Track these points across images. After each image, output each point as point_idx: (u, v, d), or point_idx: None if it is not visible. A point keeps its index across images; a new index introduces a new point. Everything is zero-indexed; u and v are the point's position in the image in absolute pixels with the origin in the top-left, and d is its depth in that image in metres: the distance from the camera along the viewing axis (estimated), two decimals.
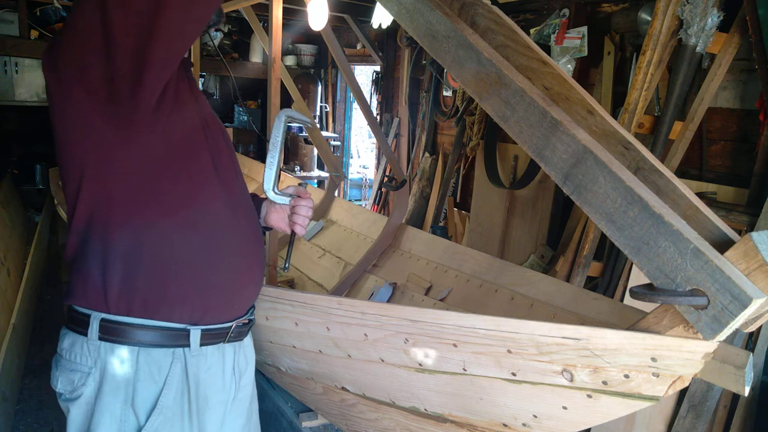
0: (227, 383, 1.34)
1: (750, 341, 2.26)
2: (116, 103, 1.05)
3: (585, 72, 3.38)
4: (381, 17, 4.21)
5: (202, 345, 1.25)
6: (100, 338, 1.17)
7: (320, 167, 6.25)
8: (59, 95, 1.07)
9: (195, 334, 1.24)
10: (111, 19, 0.96)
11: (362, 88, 3.14)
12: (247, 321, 1.38)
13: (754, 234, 0.88)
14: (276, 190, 1.44)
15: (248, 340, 1.45)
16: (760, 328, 2.18)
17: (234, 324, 1.32)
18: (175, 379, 1.22)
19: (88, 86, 1.03)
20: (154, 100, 1.08)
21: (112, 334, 1.17)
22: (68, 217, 1.19)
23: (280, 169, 1.57)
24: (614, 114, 2.98)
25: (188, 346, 1.23)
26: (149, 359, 1.20)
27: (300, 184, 1.49)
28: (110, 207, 1.14)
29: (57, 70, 1.05)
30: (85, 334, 1.18)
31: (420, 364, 1.32)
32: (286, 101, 3.51)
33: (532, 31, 3.50)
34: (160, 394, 1.20)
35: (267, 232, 1.65)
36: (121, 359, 1.18)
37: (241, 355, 1.39)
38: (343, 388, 1.68)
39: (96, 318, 1.17)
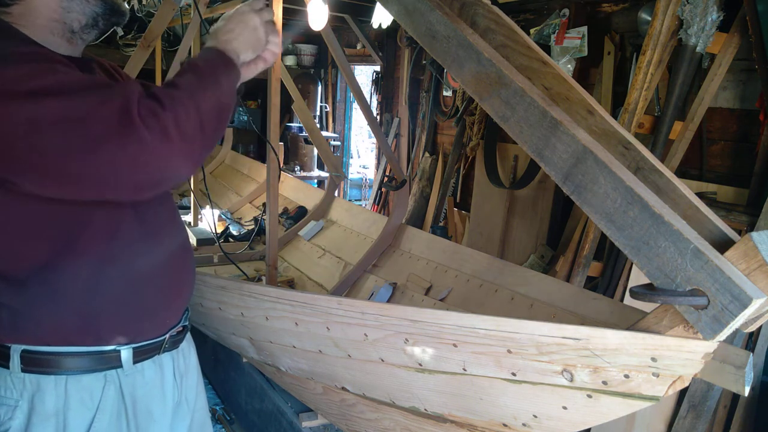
0: (168, 392, 1.30)
1: (750, 341, 2.26)
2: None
3: (585, 72, 3.38)
4: (381, 17, 4.21)
5: (135, 362, 1.20)
6: (24, 370, 1.11)
7: (320, 167, 6.25)
8: None
9: (126, 353, 1.18)
10: None
11: (362, 88, 3.14)
12: (181, 329, 1.33)
13: (754, 234, 0.88)
14: None
15: (185, 342, 1.39)
16: (760, 328, 2.18)
17: (168, 335, 1.27)
18: (108, 403, 1.17)
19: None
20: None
21: (36, 365, 1.11)
22: None
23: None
24: (614, 114, 2.98)
25: (120, 366, 1.18)
26: (79, 386, 1.14)
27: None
28: (17, 256, 1.06)
29: None
30: (7, 367, 1.11)
31: (420, 364, 1.32)
32: (286, 101, 3.51)
33: (532, 31, 3.50)
34: (93, 420, 1.15)
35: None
36: (48, 390, 1.12)
37: (180, 359, 1.35)
38: (343, 388, 1.68)
39: (16, 350, 1.10)
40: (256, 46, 1.20)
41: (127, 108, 0.93)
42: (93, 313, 1.14)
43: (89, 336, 1.14)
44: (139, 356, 1.21)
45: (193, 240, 3.52)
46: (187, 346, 1.40)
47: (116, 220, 1.14)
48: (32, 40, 1.08)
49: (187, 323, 1.38)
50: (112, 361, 1.17)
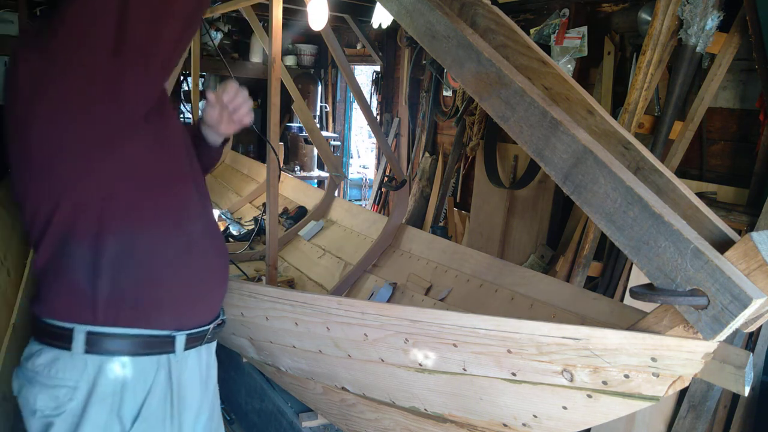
0: (202, 383, 1.35)
1: (750, 341, 2.26)
2: (117, 103, 1.05)
3: (585, 72, 3.38)
4: (381, 17, 4.20)
5: (185, 349, 1.26)
6: (86, 351, 1.13)
7: (320, 167, 6.25)
8: (44, 97, 1.03)
9: (180, 339, 1.24)
10: (129, 18, 0.98)
11: (362, 88, 3.14)
12: (221, 321, 1.39)
13: (754, 234, 0.88)
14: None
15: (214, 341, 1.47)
16: (760, 328, 2.18)
17: (211, 326, 1.33)
18: (159, 386, 1.22)
19: (88, 84, 1.02)
20: (150, 104, 1.10)
21: (98, 346, 1.14)
22: (37, 226, 1.12)
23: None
24: (614, 114, 2.98)
25: (173, 351, 1.23)
26: (137, 368, 1.19)
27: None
28: (100, 214, 1.11)
29: (52, 64, 1.02)
30: (69, 348, 1.13)
31: (420, 364, 1.32)
32: (286, 101, 3.51)
33: (532, 31, 3.50)
34: (145, 402, 1.19)
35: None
36: (109, 371, 1.16)
37: (210, 353, 1.41)
38: (343, 388, 1.68)
39: (80, 331, 1.13)
40: None
41: None
42: (157, 283, 1.18)
43: (152, 312, 1.19)
44: (189, 344, 1.27)
45: None
46: (213, 346, 1.45)
47: (182, 189, 1.23)
48: None
49: (225, 317, 1.43)
50: (167, 346, 1.22)
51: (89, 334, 1.13)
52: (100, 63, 1.01)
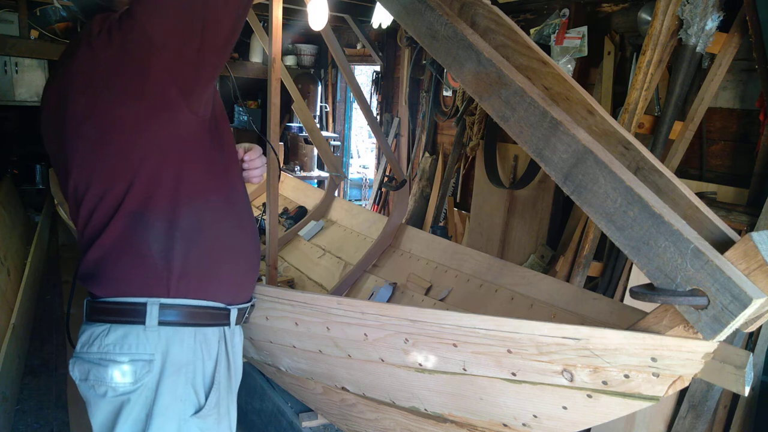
0: (241, 359, 1.43)
1: (750, 341, 2.26)
2: (194, 79, 1.12)
3: (585, 72, 3.38)
4: (381, 17, 4.21)
5: (236, 324, 1.34)
6: (161, 323, 1.18)
7: (320, 167, 6.25)
8: (131, 70, 1.09)
9: (234, 312, 1.32)
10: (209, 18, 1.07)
11: (362, 88, 3.14)
12: (253, 303, 1.48)
13: (754, 234, 0.88)
14: None
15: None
16: (760, 328, 2.18)
17: (250, 304, 1.42)
18: (222, 357, 1.29)
19: (176, 60, 1.08)
20: (215, 80, 1.19)
21: (172, 317, 1.19)
22: (105, 208, 1.16)
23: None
24: (614, 114, 2.98)
25: (228, 324, 1.31)
26: (204, 339, 1.24)
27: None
28: (174, 191, 1.17)
29: (153, 42, 1.07)
30: (142, 323, 1.17)
31: (420, 364, 1.32)
32: (286, 101, 3.51)
33: (532, 31, 3.49)
34: (215, 372, 1.25)
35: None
36: (182, 341, 1.21)
37: (241, 339, 1.47)
38: (343, 388, 1.68)
39: (154, 304, 1.18)
40: None
41: None
42: (219, 255, 1.26)
43: (213, 284, 1.25)
44: (238, 319, 1.34)
45: None
46: (240, 329, 1.49)
47: (233, 166, 1.32)
48: None
49: (254, 301, 1.50)
50: (224, 319, 1.29)
51: (162, 306, 1.18)
52: (186, 57, 1.08)
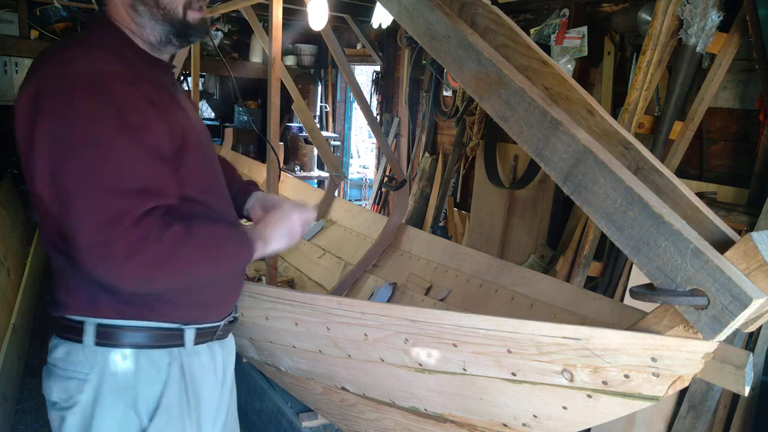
0: (218, 379, 1.37)
1: (750, 341, 2.26)
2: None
3: (585, 72, 3.38)
4: (381, 17, 4.20)
5: (195, 344, 1.27)
6: (97, 343, 1.17)
7: (320, 167, 6.25)
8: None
9: (189, 333, 1.25)
10: None
11: (362, 88, 3.14)
12: (233, 318, 1.42)
13: (754, 234, 0.88)
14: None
15: (230, 337, 1.49)
16: (760, 328, 2.18)
17: (223, 322, 1.35)
18: (174, 380, 1.23)
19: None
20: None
21: (108, 338, 1.17)
22: (57, 232, 1.14)
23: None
24: (614, 114, 2.98)
25: (183, 345, 1.25)
26: (148, 361, 1.20)
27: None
28: None
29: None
30: (80, 341, 1.17)
31: (420, 364, 1.32)
32: (286, 101, 3.51)
33: (532, 31, 3.49)
34: (162, 395, 1.21)
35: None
36: (119, 362, 1.18)
37: (226, 353, 1.43)
38: (343, 388, 1.68)
39: (91, 324, 1.17)
40: (290, 239, 1.32)
41: (118, 220, 1.02)
42: (165, 291, 1.21)
43: (159, 311, 1.20)
44: (198, 339, 1.28)
45: None
46: (231, 343, 1.47)
47: (188, 213, 1.23)
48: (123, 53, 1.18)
49: (237, 315, 1.46)
50: (176, 339, 1.24)
51: (99, 326, 1.17)
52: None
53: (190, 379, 1.26)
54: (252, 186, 1.56)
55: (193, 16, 1.23)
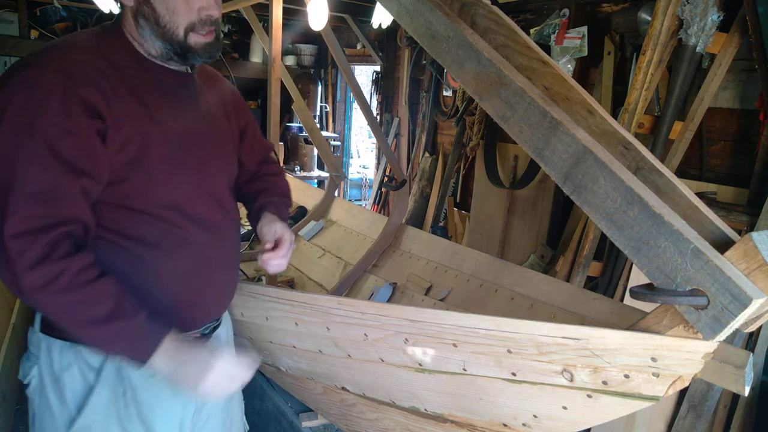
0: (178, 395, 1.25)
1: (750, 341, 2.26)
2: None
3: (585, 72, 3.37)
4: (381, 17, 4.20)
5: None
6: (42, 330, 1.21)
7: (320, 167, 6.25)
8: None
9: None
10: None
11: (362, 88, 3.14)
12: (199, 335, 1.33)
13: (754, 234, 0.88)
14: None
15: (224, 333, 1.44)
16: (760, 328, 2.18)
17: (192, 333, 1.28)
18: (108, 379, 1.20)
19: None
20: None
21: (49, 328, 1.20)
22: None
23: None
24: (614, 114, 2.98)
25: None
26: (80, 356, 1.19)
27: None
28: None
29: None
30: (33, 327, 1.23)
31: (420, 364, 1.32)
32: (286, 101, 3.51)
33: (532, 31, 3.49)
34: (92, 392, 1.19)
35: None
36: (54, 353, 1.20)
37: None
38: (343, 388, 1.68)
39: (39, 312, 1.21)
40: (196, 387, 1.12)
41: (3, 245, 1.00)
42: None
43: None
44: None
45: None
46: (222, 342, 1.43)
47: (137, 225, 1.18)
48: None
49: (208, 333, 1.37)
50: None
51: (43, 316, 1.20)
52: None
53: (128, 383, 1.21)
54: (269, 202, 1.47)
55: (195, 39, 1.19)
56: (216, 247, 1.32)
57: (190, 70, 1.29)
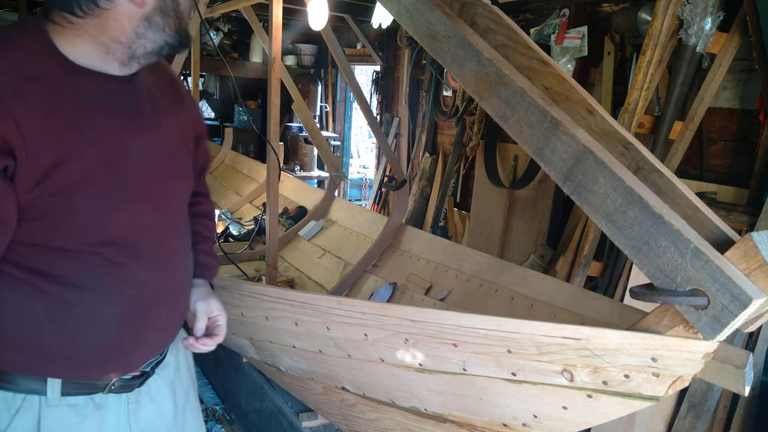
0: None
1: (750, 341, 2.26)
2: None
3: (585, 72, 3.38)
4: (381, 17, 4.20)
5: (65, 395, 1.05)
6: None
7: (320, 167, 6.25)
8: None
9: (53, 382, 1.04)
10: None
11: (362, 88, 3.14)
12: (139, 373, 1.15)
13: (754, 234, 0.88)
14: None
15: (160, 383, 1.21)
16: (760, 328, 2.18)
17: (111, 381, 1.10)
18: (20, 429, 1.04)
19: None
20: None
21: None
22: None
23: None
24: (614, 114, 2.98)
25: (44, 394, 1.04)
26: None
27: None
28: None
29: None
30: None
31: (420, 364, 1.32)
32: (286, 101, 3.51)
33: (532, 31, 3.49)
34: None
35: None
36: None
37: (145, 405, 1.18)
38: (343, 388, 1.68)
39: None
40: None
41: None
42: (17, 343, 1.03)
43: (9, 362, 1.03)
44: (72, 389, 1.06)
45: None
46: (164, 387, 1.22)
47: (63, 266, 1.02)
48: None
49: (147, 370, 1.18)
50: (36, 384, 1.04)
51: None
52: None
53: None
54: (202, 264, 1.29)
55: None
56: (165, 280, 1.15)
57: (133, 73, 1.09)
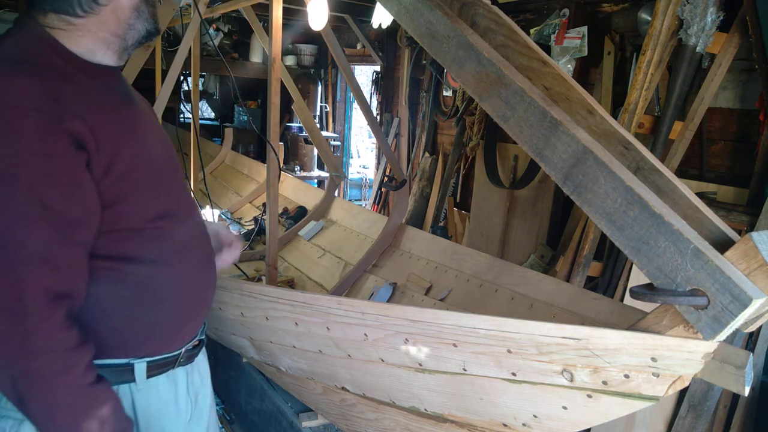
0: (182, 408, 1.26)
1: (750, 341, 2.26)
2: None
3: (585, 72, 3.38)
4: (381, 17, 4.20)
5: (149, 377, 1.17)
6: None
7: (320, 167, 6.25)
8: None
9: (140, 367, 1.15)
10: None
11: (362, 88, 3.14)
12: (198, 342, 1.31)
13: (754, 234, 0.88)
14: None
15: (200, 356, 1.36)
16: (760, 328, 2.18)
17: (183, 350, 1.24)
18: None
19: None
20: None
21: None
22: None
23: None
24: (614, 114, 2.98)
25: (134, 380, 1.15)
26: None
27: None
28: None
29: None
30: None
31: (420, 364, 1.32)
32: (286, 101, 3.51)
33: (532, 31, 3.50)
34: None
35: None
36: None
37: (195, 374, 1.32)
38: (343, 388, 1.68)
39: None
40: None
41: None
42: (109, 329, 1.11)
43: (103, 349, 1.10)
44: (153, 371, 1.17)
45: None
46: (203, 364, 1.38)
47: (135, 245, 1.12)
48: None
49: (203, 337, 1.35)
50: (125, 375, 1.14)
51: None
52: None
53: (143, 415, 1.17)
54: None
55: None
56: (204, 239, 1.31)
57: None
